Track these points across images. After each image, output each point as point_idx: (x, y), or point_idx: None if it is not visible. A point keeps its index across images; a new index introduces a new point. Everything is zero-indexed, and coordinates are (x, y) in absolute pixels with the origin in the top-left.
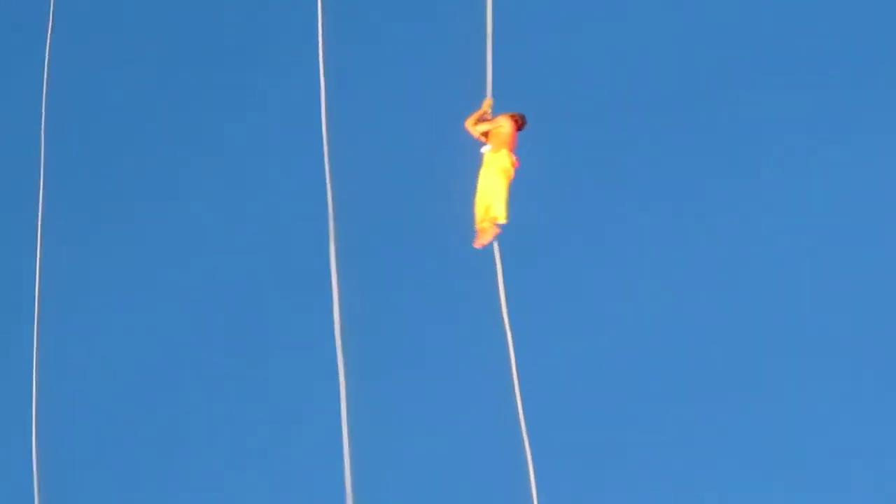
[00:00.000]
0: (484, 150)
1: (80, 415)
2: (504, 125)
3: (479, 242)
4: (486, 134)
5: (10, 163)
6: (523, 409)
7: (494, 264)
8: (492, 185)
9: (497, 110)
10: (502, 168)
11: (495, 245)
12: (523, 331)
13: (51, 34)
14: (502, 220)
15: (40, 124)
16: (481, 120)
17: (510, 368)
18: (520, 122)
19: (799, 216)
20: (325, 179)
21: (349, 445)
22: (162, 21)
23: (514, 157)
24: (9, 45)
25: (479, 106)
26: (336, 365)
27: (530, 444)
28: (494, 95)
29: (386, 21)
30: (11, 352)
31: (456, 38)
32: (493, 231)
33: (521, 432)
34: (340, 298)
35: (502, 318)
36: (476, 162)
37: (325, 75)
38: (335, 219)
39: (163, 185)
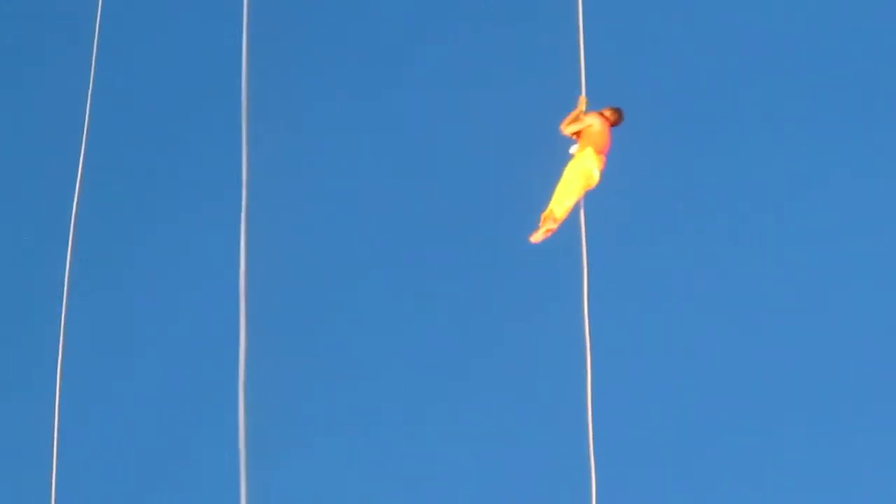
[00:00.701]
0: (572, 149)
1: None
2: (594, 124)
3: (534, 237)
4: (579, 133)
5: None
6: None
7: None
8: (565, 182)
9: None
10: (581, 169)
11: (583, 245)
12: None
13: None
14: (550, 219)
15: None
16: (575, 120)
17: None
18: (612, 118)
19: None
20: None
21: None
22: None
23: (601, 159)
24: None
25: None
26: None
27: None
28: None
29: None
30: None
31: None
32: (550, 227)
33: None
34: None
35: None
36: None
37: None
38: None
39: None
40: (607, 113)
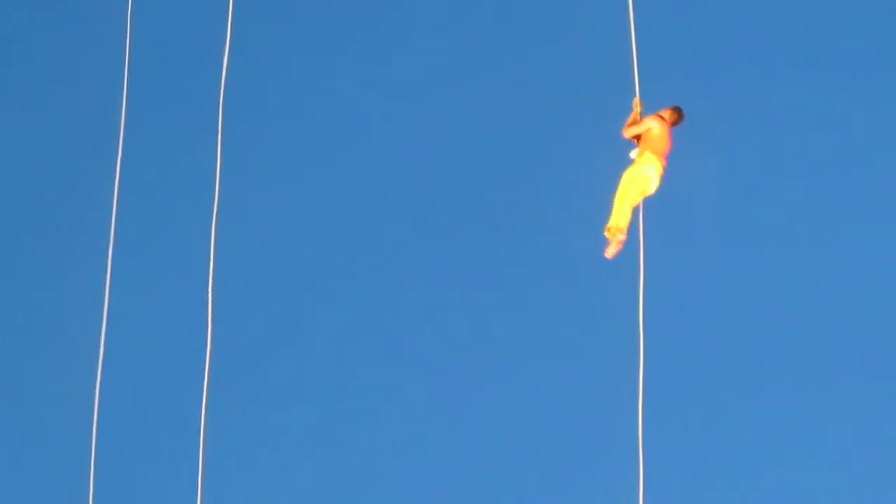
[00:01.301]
0: (631, 153)
1: None
2: (653, 127)
3: (608, 252)
4: (638, 137)
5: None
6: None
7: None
8: (622, 191)
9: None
10: (638, 176)
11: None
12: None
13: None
14: (615, 231)
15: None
16: (633, 123)
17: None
18: (671, 118)
19: None
20: None
21: None
22: None
23: (661, 161)
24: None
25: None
26: None
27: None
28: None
29: None
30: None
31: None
32: (618, 240)
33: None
34: None
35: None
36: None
37: None
38: None
39: None
40: (665, 114)
